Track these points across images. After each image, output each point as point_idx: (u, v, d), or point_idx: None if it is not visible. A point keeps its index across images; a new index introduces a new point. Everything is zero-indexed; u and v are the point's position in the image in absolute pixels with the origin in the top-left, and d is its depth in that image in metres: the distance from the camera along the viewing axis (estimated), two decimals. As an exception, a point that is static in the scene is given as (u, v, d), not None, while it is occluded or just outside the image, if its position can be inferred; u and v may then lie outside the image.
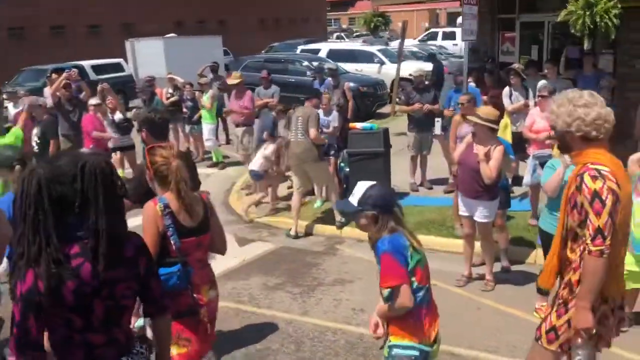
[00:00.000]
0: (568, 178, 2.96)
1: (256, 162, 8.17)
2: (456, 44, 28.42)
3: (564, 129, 2.82)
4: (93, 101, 8.77)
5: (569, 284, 2.91)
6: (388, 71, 17.85)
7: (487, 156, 5.16)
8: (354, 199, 2.96)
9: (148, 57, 21.44)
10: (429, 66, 18.77)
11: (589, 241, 2.69)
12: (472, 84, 8.23)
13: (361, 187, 2.98)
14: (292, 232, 7.37)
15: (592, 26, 6.24)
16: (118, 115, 9.38)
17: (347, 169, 8.11)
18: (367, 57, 18.72)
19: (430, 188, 8.83)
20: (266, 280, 6.05)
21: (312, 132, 7.07)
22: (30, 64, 20.55)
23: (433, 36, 29.91)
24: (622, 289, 2.97)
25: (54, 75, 12.23)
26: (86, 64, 18.60)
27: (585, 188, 2.70)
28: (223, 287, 5.87)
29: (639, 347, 4.39)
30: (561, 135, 2.87)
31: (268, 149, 8.18)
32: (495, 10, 11.44)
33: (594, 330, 2.80)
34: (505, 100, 8.15)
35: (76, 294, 2.07)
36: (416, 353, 2.87)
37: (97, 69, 18.96)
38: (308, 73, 15.94)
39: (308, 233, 7.56)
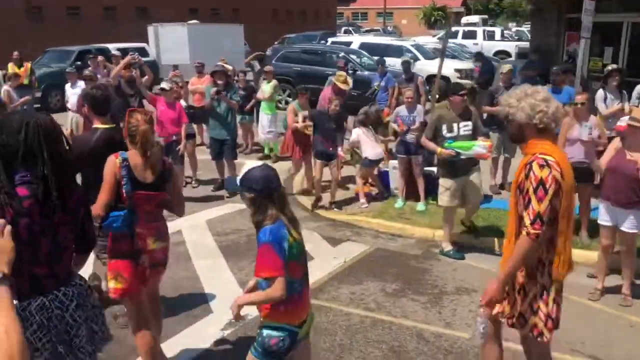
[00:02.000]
0: (519, 166, 3.10)
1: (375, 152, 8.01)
2: (477, 43, 28.22)
3: (526, 121, 3.01)
4: (165, 85, 8.27)
5: (525, 268, 3.10)
6: (423, 67, 17.48)
7: (646, 161, 4.83)
8: (239, 177, 2.98)
9: (171, 42, 20.88)
10: (467, 64, 18.60)
11: (528, 224, 2.91)
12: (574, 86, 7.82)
13: (247, 167, 3.02)
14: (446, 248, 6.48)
15: None
16: (182, 103, 8.95)
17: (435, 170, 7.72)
18: (400, 52, 18.29)
19: (512, 191, 8.46)
20: (383, 286, 5.62)
21: (422, 138, 6.40)
22: (46, 45, 19.91)
23: (453, 35, 29.45)
24: (568, 271, 3.17)
25: (99, 58, 11.77)
26: (112, 46, 17.95)
27: (532, 175, 2.91)
28: (339, 292, 5.53)
29: None
30: (520, 126, 3.05)
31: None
32: (563, 9, 11.10)
33: (498, 301, 3.12)
34: (600, 105, 7.80)
35: (29, 231, 2.42)
36: (285, 334, 2.96)
37: (122, 52, 18.33)
38: (349, 66, 15.52)
39: (396, 234, 7.18)
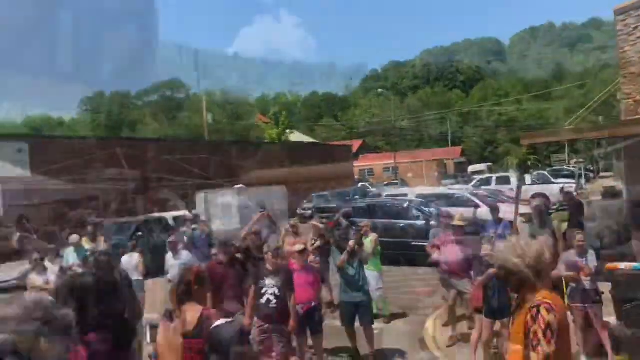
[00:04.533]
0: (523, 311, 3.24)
1: None
2: (512, 189, 28.37)
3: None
4: (298, 247, 7.66)
5: None
6: (484, 215, 17.20)
7: None
8: None
9: (220, 208, 20.81)
10: (526, 209, 18.33)
11: None
12: None
13: None
14: None
15: None
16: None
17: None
18: (461, 201, 18.18)
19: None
20: None
21: None
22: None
23: (486, 182, 29.82)
24: None
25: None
26: (168, 215, 17.75)
27: (540, 318, 3.06)
28: None
29: None
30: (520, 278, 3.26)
31: None
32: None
33: None
34: None
35: None
36: None
37: (177, 220, 18.08)
38: (420, 216, 15.19)
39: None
